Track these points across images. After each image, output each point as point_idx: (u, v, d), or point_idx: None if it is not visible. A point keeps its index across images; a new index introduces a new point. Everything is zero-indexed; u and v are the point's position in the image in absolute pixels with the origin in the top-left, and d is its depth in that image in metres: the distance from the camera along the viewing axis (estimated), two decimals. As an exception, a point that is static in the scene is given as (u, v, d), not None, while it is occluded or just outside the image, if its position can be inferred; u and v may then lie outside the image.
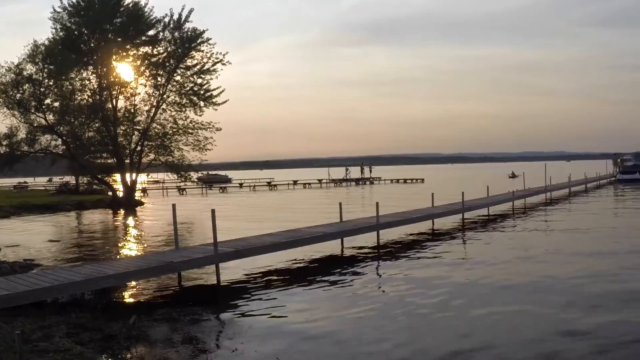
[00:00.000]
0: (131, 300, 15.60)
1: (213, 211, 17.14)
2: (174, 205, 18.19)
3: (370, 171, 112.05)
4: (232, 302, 14.80)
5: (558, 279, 16.59)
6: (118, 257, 23.22)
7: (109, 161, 60.75)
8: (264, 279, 17.68)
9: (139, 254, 23.94)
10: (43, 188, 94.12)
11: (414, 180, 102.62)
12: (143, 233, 33.72)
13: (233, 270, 18.36)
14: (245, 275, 18.08)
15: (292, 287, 16.35)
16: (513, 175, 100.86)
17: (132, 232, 35.45)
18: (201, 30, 57.51)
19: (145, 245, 27.50)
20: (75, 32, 57.43)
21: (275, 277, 17.82)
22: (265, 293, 15.69)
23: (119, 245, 28.52)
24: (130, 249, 27.03)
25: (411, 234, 26.72)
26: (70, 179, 77.36)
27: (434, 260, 20.03)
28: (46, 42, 56.66)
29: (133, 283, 16.61)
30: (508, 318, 12.87)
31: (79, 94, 58.32)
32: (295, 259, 20.26)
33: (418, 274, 17.73)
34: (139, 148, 58.92)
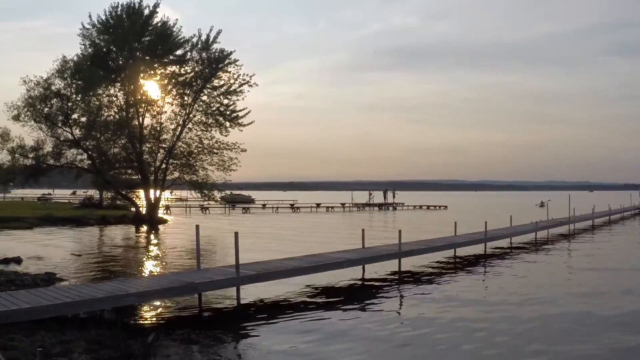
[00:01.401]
0: (151, 319, 15.60)
1: (236, 234, 17.15)
2: (197, 227, 18.20)
3: (394, 196, 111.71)
4: (251, 326, 14.75)
5: (575, 321, 16.42)
6: (139, 275, 23.24)
7: (134, 177, 61.05)
8: (284, 303, 17.63)
9: (160, 272, 23.99)
10: (67, 201, 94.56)
11: (437, 207, 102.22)
12: (165, 251, 33.74)
13: (254, 293, 18.29)
14: (266, 298, 18.03)
15: (312, 313, 16.27)
16: (542, 204, 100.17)
17: (154, 249, 35.46)
18: (229, 51, 57.98)
19: (167, 264, 27.53)
20: (104, 49, 58.10)
21: (296, 302, 17.75)
22: (285, 318, 15.64)
23: (141, 262, 28.57)
24: (152, 267, 27.03)
25: (433, 262, 26.56)
26: (94, 193, 77.66)
27: (454, 293, 19.78)
28: (75, 58, 57.09)
29: (153, 302, 16.60)
30: None
31: (106, 110, 58.78)
32: (316, 284, 20.16)
33: (438, 307, 17.54)
34: (163, 166, 59.18)
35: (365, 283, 21.48)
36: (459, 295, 19.10)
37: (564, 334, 14.25)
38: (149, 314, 16.04)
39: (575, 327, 15.01)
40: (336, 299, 18.18)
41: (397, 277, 22.64)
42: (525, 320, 15.58)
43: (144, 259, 30.39)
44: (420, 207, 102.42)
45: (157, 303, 16.75)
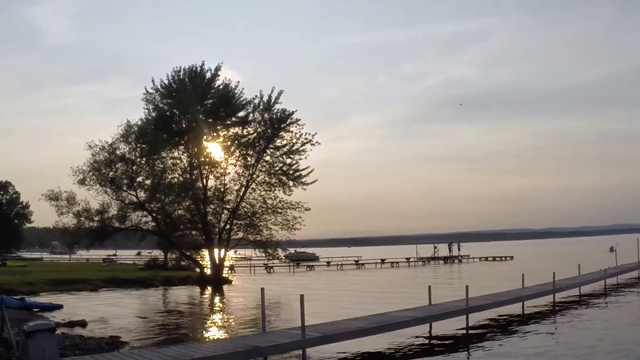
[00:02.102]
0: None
1: (302, 297, 16.96)
2: (262, 289, 18.08)
3: (459, 249, 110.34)
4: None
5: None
6: (204, 338, 23.14)
7: (198, 238, 61.39)
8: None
9: (226, 336, 23.85)
10: (131, 262, 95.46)
11: (504, 258, 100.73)
12: (230, 314, 33.59)
13: (320, 356, 18.05)
14: (332, 360, 17.79)
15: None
16: (612, 249, 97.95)
17: (219, 312, 35.41)
18: (290, 111, 58.28)
19: (232, 326, 27.38)
20: (167, 113, 59.08)
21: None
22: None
23: (206, 326, 28.50)
24: (217, 330, 26.93)
25: (502, 317, 26.00)
26: (158, 254, 78.24)
27: (523, 349, 19.31)
28: (139, 122, 58.03)
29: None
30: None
31: (170, 173, 59.58)
32: (383, 345, 19.83)
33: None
34: (227, 226, 59.43)
35: (435, 343, 21.02)
36: (526, 348, 18.62)
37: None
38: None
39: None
40: (403, 359, 17.84)
41: (464, 334, 22.19)
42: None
43: (209, 321, 30.31)
44: (486, 258, 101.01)
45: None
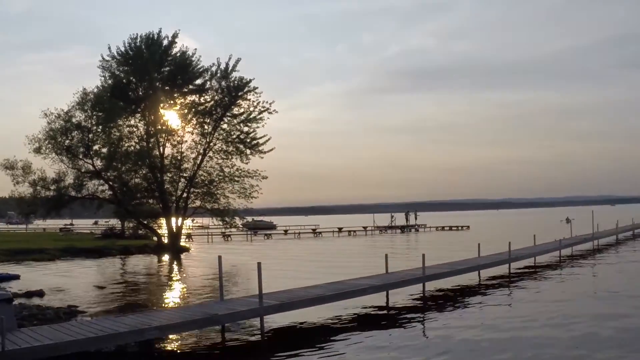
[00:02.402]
0: (174, 352, 15.51)
1: (259, 264, 17.03)
2: (219, 258, 18.12)
3: (416, 218, 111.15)
4: (276, 356, 14.63)
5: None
6: (162, 306, 23.14)
7: (155, 207, 61.19)
8: (309, 332, 17.51)
9: (183, 304, 23.89)
10: (89, 231, 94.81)
11: (460, 228, 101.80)
12: (187, 282, 33.61)
13: (278, 323, 18.18)
14: (290, 328, 17.92)
15: (337, 341, 16.12)
16: (568, 221, 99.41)
17: (176, 280, 35.38)
18: (248, 79, 58.29)
19: (189, 294, 27.42)
20: (124, 81, 58.56)
21: (320, 331, 17.62)
22: (309, 348, 15.48)
23: (163, 293, 28.49)
24: (174, 298, 26.96)
25: (458, 286, 26.32)
26: (115, 223, 77.87)
27: (480, 317, 19.62)
28: (95, 90, 57.45)
29: (176, 334, 16.51)
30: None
31: (127, 141, 59.21)
32: (340, 312, 20.01)
33: (464, 331, 17.35)
34: (185, 195, 59.36)
35: (390, 310, 21.27)
36: (484, 319, 18.89)
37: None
38: (172, 347, 15.96)
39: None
40: (360, 327, 18.01)
41: (421, 302, 22.46)
42: (547, 341, 15.37)
43: (166, 289, 30.34)
44: (443, 228, 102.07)
45: (181, 335, 16.67)
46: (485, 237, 58.29)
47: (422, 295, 23.47)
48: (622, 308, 20.53)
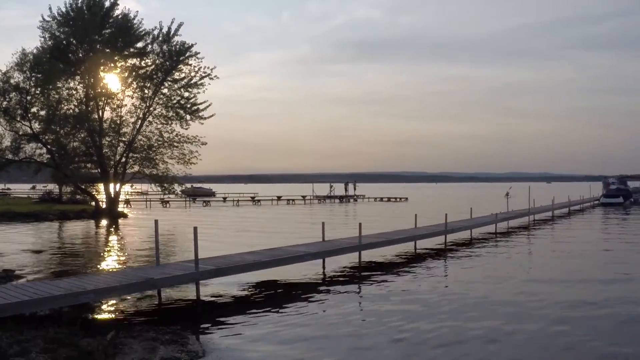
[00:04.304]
0: (110, 316, 15.54)
1: (195, 229, 17.10)
2: (156, 222, 18.11)
3: (355, 189, 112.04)
4: (211, 321, 14.77)
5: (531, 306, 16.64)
6: (98, 271, 23.09)
7: (93, 171, 60.65)
8: (244, 298, 17.71)
9: (119, 268, 23.83)
10: (26, 196, 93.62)
11: (398, 199, 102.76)
12: (124, 246, 33.59)
13: (214, 288, 18.36)
14: (226, 293, 18.09)
15: (272, 307, 16.33)
16: (508, 195, 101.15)
17: (113, 245, 35.25)
18: (190, 44, 57.84)
19: (126, 259, 27.38)
20: (64, 42, 57.64)
21: (256, 297, 17.85)
22: (244, 313, 15.67)
23: (100, 258, 28.34)
24: (111, 262, 26.87)
25: (393, 256, 26.72)
26: (53, 188, 77.04)
27: (413, 287, 19.99)
28: (34, 51, 56.57)
29: (112, 298, 16.56)
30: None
31: (66, 104, 58.29)
32: (276, 278, 20.26)
33: (397, 301, 17.70)
34: (123, 159, 58.89)
35: (326, 277, 21.56)
36: (417, 289, 19.24)
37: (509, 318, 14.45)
38: (108, 311, 16.00)
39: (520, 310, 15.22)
40: (296, 293, 18.26)
41: (357, 271, 22.78)
42: (479, 310, 15.78)
43: (103, 254, 30.18)
44: (381, 199, 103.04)
45: (117, 299, 16.73)
46: (423, 209, 59.12)
47: (357, 264, 23.80)
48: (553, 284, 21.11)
